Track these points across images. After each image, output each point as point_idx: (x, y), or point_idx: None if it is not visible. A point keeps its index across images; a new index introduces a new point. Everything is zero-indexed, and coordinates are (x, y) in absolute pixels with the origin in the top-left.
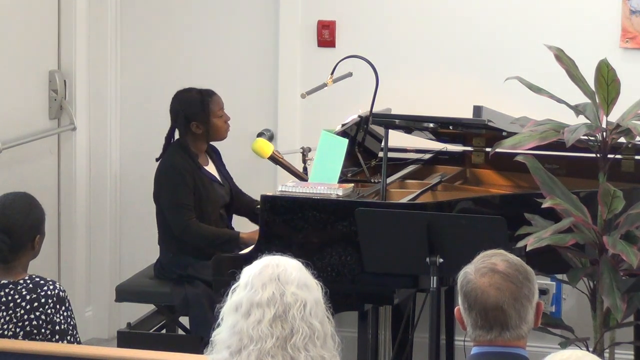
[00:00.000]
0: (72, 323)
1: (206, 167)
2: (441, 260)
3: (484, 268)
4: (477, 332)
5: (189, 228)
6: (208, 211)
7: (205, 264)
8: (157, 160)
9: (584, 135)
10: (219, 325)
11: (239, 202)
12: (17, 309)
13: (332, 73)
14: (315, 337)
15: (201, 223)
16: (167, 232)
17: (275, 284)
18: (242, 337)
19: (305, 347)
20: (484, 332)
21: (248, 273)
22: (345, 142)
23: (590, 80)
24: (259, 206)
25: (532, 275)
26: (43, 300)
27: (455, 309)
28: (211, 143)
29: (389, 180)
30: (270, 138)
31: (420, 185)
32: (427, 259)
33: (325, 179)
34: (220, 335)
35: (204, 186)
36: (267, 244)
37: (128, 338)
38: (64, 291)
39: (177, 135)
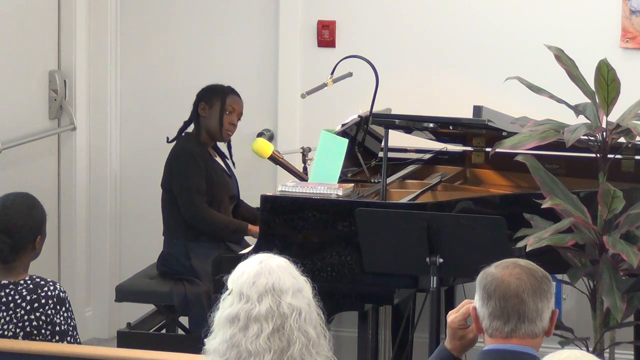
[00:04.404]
0: (72, 324)
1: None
2: (441, 260)
3: (505, 263)
4: (494, 324)
5: (198, 212)
6: (220, 198)
7: (209, 254)
8: (168, 142)
9: (584, 135)
10: (211, 332)
11: (241, 210)
12: (18, 310)
13: (332, 73)
14: (310, 345)
15: (212, 209)
16: (173, 220)
17: (271, 295)
18: (240, 350)
19: (302, 357)
20: (502, 323)
21: (240, 281)
22: (345, 142)
23: (590, 80)
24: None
25: (550, 278)
26: (43, 301)
27: (471, 308)
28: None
29: (389, 180)
30: (270, 138)
31: (420, 185)
32: (427, 259)
33: (325, 179)
34: (215, 345)
35: (215, 173)
36: (267, 244)
37: (128, 338)
38: (64, 292)
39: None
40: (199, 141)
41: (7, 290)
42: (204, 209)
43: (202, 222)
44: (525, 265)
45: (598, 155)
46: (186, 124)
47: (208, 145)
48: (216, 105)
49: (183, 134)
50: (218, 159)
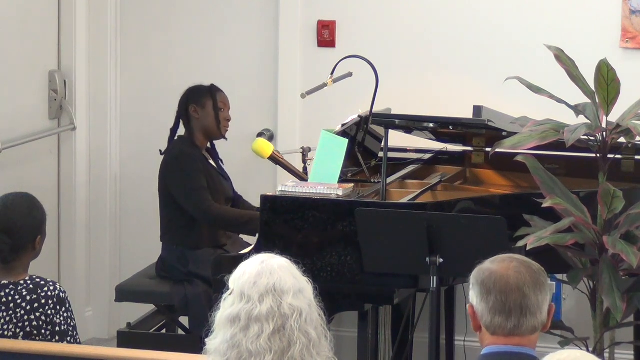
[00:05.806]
0: (72, 324)
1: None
2: (441, 260)
3: (500, 257)
4: (495, 321)
5: (210, 209)
6: (216, 200)
7: (206, 260)
8: (161, 153)
9: (584, 135)
10: (212, 332)
11: (241, 207)
12: (18, 310)
13: (332, 73)
14: (311, 346)
15: (220, 204)
16: (170, 226)
17: (272, 295)
18: (241, 351)
19: (302, 358)
20: (504, 318)
21: (241, 281)
22: (345, 142)
23: (590, 80)
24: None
25: (544, 271)
26: (43, 301)
27: (468, 306)
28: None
29: (389, 180)
30: (270, 138)
31: (420, 185)
32: (427, 259)
33: (325, 179)
34: (216, 345)
35: (211, 176)
36: (267, 244)
37: (128, 338)
38: (64, 292)
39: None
40: (193, 144)
41: (7, 291)
42: (213, 205)
43: (214, 218)
44: (521, 258)
45: (598, 155)
46: (173, 131)
47: (202, 148)
48: (208, 104)
49: (176, 138)
50: (211, 162)
